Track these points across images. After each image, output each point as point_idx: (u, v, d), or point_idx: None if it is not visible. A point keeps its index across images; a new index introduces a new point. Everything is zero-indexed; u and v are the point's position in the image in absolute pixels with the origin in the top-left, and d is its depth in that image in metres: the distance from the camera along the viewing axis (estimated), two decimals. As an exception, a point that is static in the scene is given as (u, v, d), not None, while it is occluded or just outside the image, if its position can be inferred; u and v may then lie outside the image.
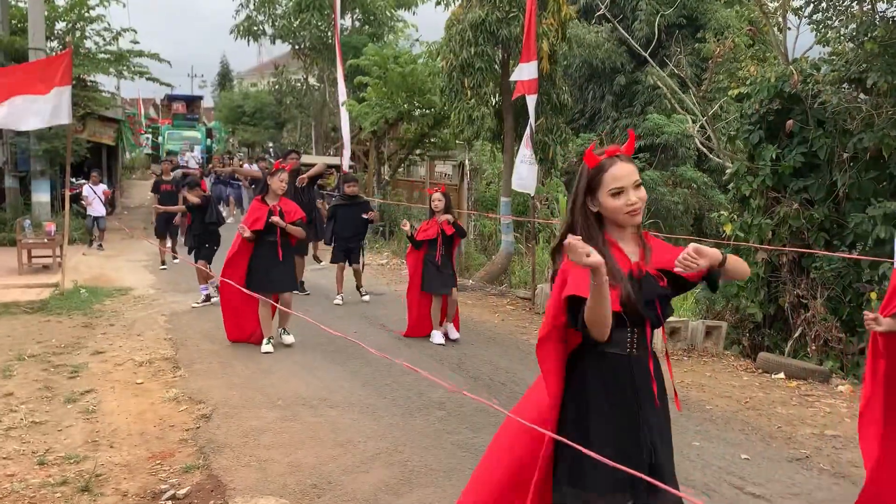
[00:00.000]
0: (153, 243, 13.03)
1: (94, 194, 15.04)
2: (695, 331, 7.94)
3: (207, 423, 5.25)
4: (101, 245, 15.16)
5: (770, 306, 8.48)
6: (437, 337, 7.73)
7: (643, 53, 13.82)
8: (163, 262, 12.68)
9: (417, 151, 19.19)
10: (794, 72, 8.14)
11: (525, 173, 9.66)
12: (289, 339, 7.36)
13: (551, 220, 14.77)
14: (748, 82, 8.83)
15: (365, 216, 9.63)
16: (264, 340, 7.13)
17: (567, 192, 15.47)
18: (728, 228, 8.87)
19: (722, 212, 10.18)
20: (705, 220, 21.91)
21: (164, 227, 12.91)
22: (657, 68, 15.51)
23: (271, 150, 36.78)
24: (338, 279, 9.81)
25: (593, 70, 24.40)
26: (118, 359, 6.93)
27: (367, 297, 9.89)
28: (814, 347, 7.70)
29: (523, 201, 15.82)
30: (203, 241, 9.47)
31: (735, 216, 9.00)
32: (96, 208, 15.07)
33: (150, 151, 40.74)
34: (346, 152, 15.15)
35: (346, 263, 9.76)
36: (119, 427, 5.16)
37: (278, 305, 7.07)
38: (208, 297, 9.37)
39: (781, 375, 6.98)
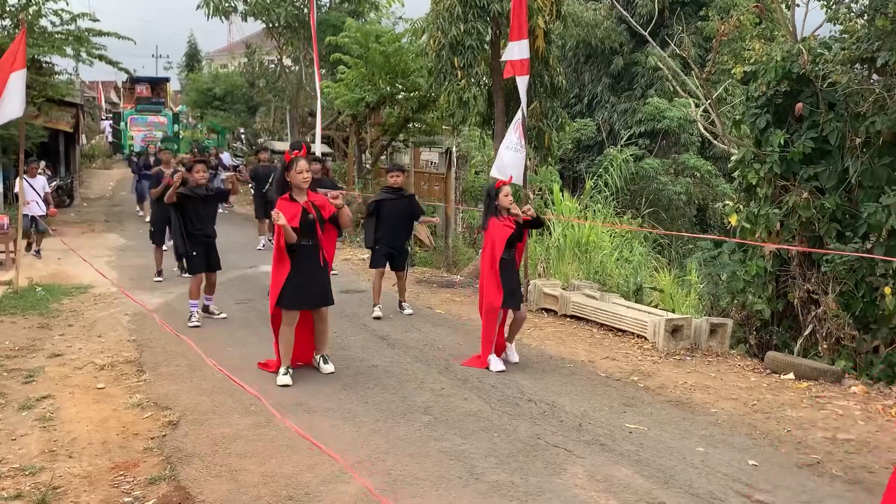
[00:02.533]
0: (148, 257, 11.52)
1: (31, 191, 13.16)
2: (698, 329, 7.97)
3: (174, 430, 5.21)
4: (38, 251, 13.26)
5: (779, 302, 8.53)
6: (496, 364, 6.91)
7: (643, 32, 13.84)
8: (158, 273, 11.18)
9: (401, 137, 19.16)
10: (803, 51, 8.17)
11: (508, 160, 9.58)
12: (328, 368, 6.58)
13: (546, 217, 14.75)
14: (754, 62, 8.85)
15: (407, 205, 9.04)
16: (281, 370, 6.31)
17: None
18: (733, 219, 8.90)
19: (727, 202, 10.23)
20: (709, 210, 22.05)
21: (162, 229, 11.31)
22: (658, 48, 15.54)
23: (243, 136, 36.59)
24: (375, 288, 9.09)
25: (592, 50, 24.45)
26: (77, 362, 6.87)
27: (409, 311, 9.25)
28: (825, 346, 7.74)
29: (515, 191, 15.81)
30: (199, 245, 8.44)
31: (741, 206, 9.03)
32: (32, 207, 13.06)
33: (112, 140, 40.47)
34: (318, 134, 15.05)
35: (388, 269, 9.15)
36: (79, 436, 5.12)
37: (317, 326, 6.56)
38: (207, 310, 8.63)
39: (791, 376, 7.02)
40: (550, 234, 13.73)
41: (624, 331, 8.57)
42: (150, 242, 11.70)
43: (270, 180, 13.16)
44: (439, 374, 6.77)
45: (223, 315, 8.71)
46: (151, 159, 18.16)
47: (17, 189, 12.78)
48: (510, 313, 7.10)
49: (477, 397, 6.09)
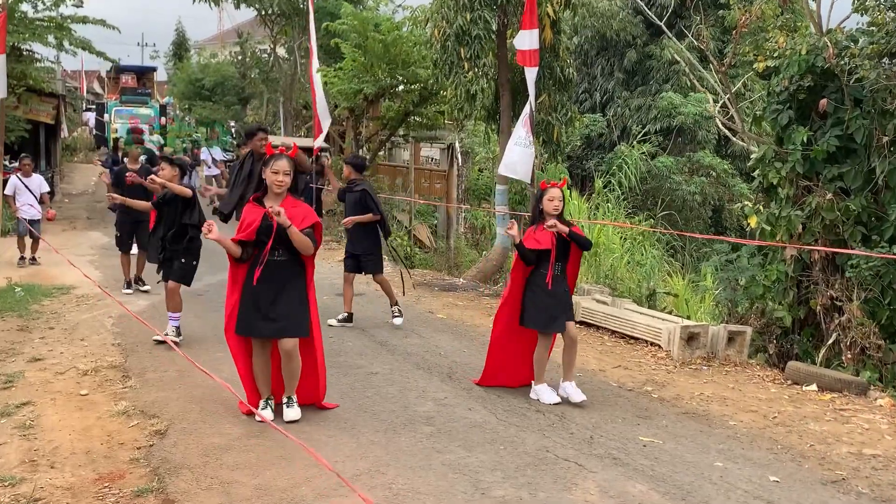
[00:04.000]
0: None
1: (27, 192, 12.34)
2: (715, 337, 7.96)
3: (162, 440, 5.19)
4: (34, 258, 12.58)
5: (800, 309, 8.51)
6: (547, 395, 6.26)
7: (659, 24, 13.84)
8: (128, 284, 10.46)
9: (401, 132, 19.14)
10: (829, 44, 8.16)
11: (517, 157, 9.60)
12: (293, 413, 5.60)
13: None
14: (776, 55, 8.85)
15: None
16: (261, 403, 5.67)
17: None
18: (752, 221, 8.90)
19: (745, 202, 10.20)
20: (725, 211, 22.05)
21: (128, 235, 10.68)
22: (674, 40, 15.54)
23: (234, 129, 36.60)
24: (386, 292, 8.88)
25: (605, 43, 24.46)
26: (59, 367, 6.86)
27: (400, 321, 8.84)
28: (849, 356, 7.73)
29: (521, 189, 15.84)
30: (176, 252, 7.82)
31: (760, 207, 9.02)
32: (26, 209, 12.28)
33: (96, 132, 40.42)
34: (325, 124, 14.51)
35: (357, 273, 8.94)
36: (61, 445, 5.10)
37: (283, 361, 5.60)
38: (178, 331, 7.84)
39: (813, 387, 7.00)
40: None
41: (636, 338, 8.56)
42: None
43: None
44: (442, 382, 6.75)
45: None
46: (120, 153, 17.54)
47: (8, 190, 12.19)
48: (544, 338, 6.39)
49: (482, 407, 6.08)
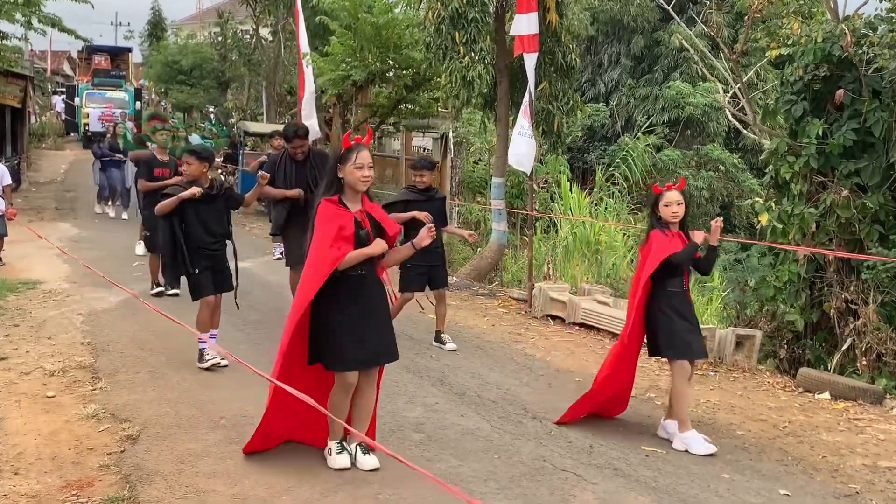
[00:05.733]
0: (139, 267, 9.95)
1: None
2: (723, 341, 7.97)
3: (134, 445, 5.18)
4: None
5: (813, 312, 8.54)
6: (699, 444, 5.51)
7: (667, 7, 13.85)
8: (158, 284, 9.80)
9: (391, 120, 19.11)
10: (846, 31, 8.17)
11: (524, 148, 9.64)
12: (370, 462, 4.94)
13: (553, 215, 14.75)
14: (790, 43, 8.86)
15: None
16: (333, 446, 4.95)
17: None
18: (763, 219, 8.92)
19: (755, 198, 10.23)
20: (734, 208, 22.11)
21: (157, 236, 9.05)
22: (683, 26, 15.56)
23: (212, 115, 36.50)
24: (395, 309, 7.33)
25: (617, 27, 24.46)
26: (24, 367, 6.83)
27: (452, 345, 8.06)
28: (864, 362, 7.76)
29: (518, 182, 15.85)
30: (222, 257, 7.10)
31: (772, 204, 9.04)
32: None
33: (66, 117, 40.32)
34: (310, 123, 14.59)
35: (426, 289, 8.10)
36: (25, 450, 5.08)
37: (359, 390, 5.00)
38: (204, 355, 6.95)
39: (826, 395, 7.03)
40: (557, 231, 13.76)
41: (639, 342, 8.56)
42: (123, 249, 10.69)
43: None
44: (432, 386, 6.76)
45: (223, 362, 6.96)
46: (120, 141, 17.14)
47: None
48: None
49: (475, 414, 6.09)
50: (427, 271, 7.94)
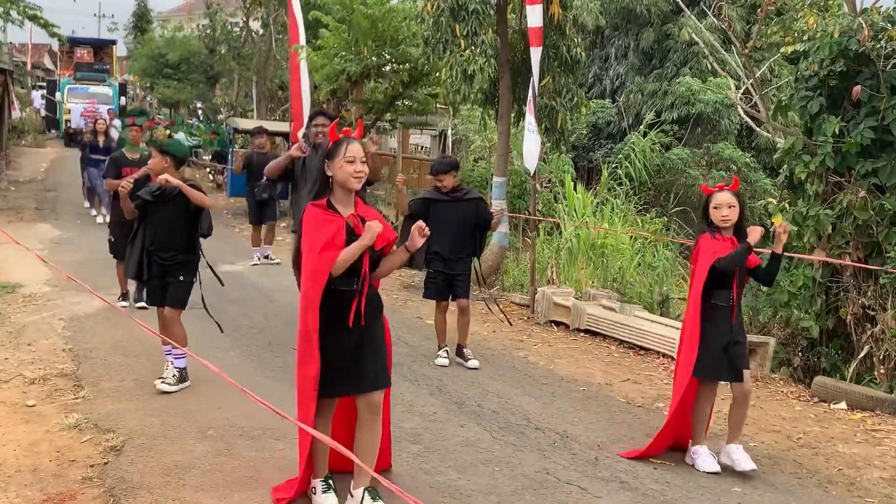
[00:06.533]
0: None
1: None
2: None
3: (118, 457, 5.17)
4: None
5: (828, 319, 8.54)
6: (706, 461, 5.46)
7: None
8: (123, 296, 9.48)
9: (388, 117, 19.13)
10: (863, 25, 8.19)
11: (534, 146, 9.75)
12: None
13: (547, 219, 14.73)
14: (805, 37, 8.88)
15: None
16: (319, 485, 4.56)
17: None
18: (777, 220, 8.92)
19: (769, 199, 10.24)
20: (746, 209, 22.08)
21: (125, 239, 7.96)
22: (693, 19, 15.58)
23: (200, 111, 36.55)
24: (439, 328, 7.97)
25: (626, 19, 24.48)
26: (3, 374, 6.83)
27: (474, 363, 7.78)
28: (882, 371, 7.77)
29: (520, 182, 15.86)
30: (172, 267, 6.73)
31: (786, 205, 9.05)
32: None
33: (46, 113, 40.27)
34: (305, 106, 14.41)
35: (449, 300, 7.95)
36: (4, 462, 5.08)
37: (361, 422, 4.55)
38: (183, 375, 6.69)
39: (842, 405, 7.04)
40: (560, 233, 13.75)
41: (647, 349, 8.59)
42: (106, 252, 10.00)
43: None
44: (430, 395, 6.76)
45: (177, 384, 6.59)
46: (101, 139, 16.32)
47: None
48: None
49: (475, 424, 6.09)
50: (449, 279, 7.78)
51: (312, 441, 4.37)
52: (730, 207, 5.40)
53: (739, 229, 5.45)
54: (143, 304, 8.62)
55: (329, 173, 4.41)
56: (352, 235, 4.36)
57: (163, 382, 6.52)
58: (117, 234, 9.28)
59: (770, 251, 5.60)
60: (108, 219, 16.24)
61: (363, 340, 4.45)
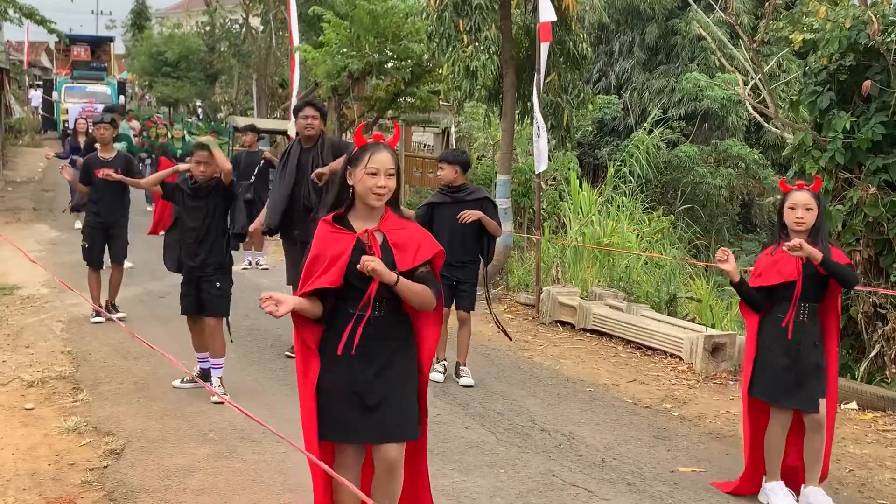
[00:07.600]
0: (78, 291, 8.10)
1: None
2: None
3: (118, 460, 5.18)
4: None
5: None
6: (780, 499, 4.89)
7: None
8: (97, 312, 8.70)
9: (390, 114, 19.14)
10: (874, 18, 8.17)
11: (543, 146, 9.80)
12: None
13: (542, 224, 14.68)
14: (815, 30, 8.86)
15: None
16: None
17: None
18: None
19: (778, 196, 10.21)
20: (755, 206, 22.08)
21: (100, 245, 9.11)
22: (700, 13, 15.57)
23: (200, 110, 36.56)
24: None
25: (632, 14, 24.47)
26: (1, 377, 6.84)
27: (468, 381, 7.25)
28: (894, 370, 7.75)
29: (525, 180, 15.82)
30: (213, 273, 6.56)
31: (795, 202, 9.02)
32: None
33: (43, 113, 40.30)
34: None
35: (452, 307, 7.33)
36: (3, 465, 5.09)
37: (377, 472, 3.79)
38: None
39: (853, 405, 7.03)
40: (566, 232, 13.74)
41: (654, 349, 8.57)
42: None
43: (255, 173, 12.31)
44: (434, 397, 6.75)
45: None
46: (81, 139, 14.84)
47: None
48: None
49: (480, 426, 6.09)
50: (452, 286, 7.14)
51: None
52: (807, 209, 4.82)
53: (817, 235, 4.86)
54: (99, 319, 8.61)
55: (350, 182, 3.70)
56: (358, 254, 3.58)
57: (216, 395, 6.22)
58: (90, 240, 9.07)
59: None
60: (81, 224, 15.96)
61: (376, 379, 3.66)
